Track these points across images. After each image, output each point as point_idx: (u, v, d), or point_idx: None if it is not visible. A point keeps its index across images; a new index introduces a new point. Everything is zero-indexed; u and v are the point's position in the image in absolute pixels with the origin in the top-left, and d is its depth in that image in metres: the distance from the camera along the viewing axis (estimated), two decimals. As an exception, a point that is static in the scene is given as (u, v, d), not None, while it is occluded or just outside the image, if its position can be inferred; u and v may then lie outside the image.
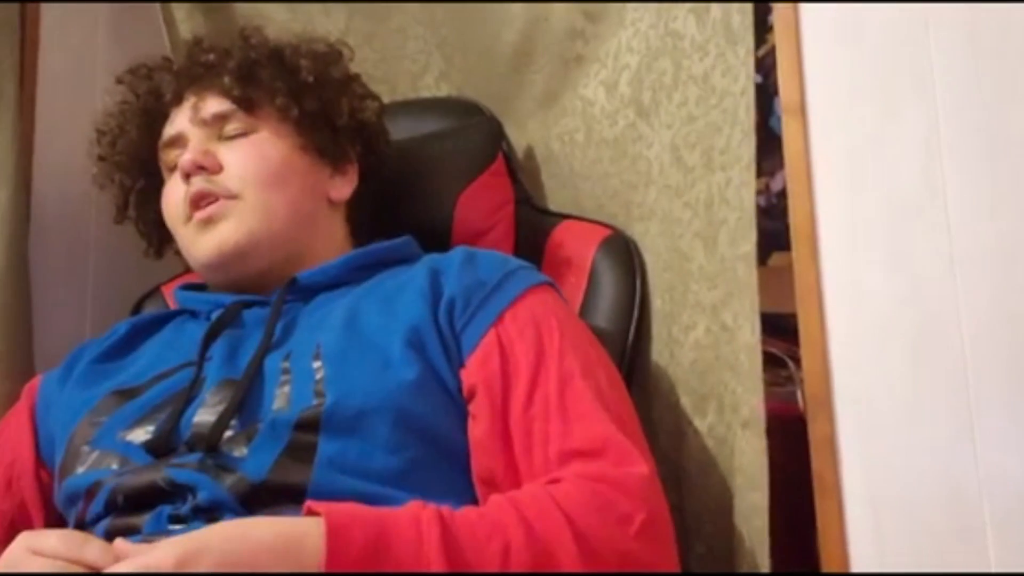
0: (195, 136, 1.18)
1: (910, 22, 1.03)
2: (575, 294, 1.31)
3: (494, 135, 1.44)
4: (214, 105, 1.18)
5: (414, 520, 0.88)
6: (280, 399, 1.02)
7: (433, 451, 1.01)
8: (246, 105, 1.18)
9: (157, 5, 1.61)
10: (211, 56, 1.21)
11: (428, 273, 1.10)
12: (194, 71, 1.22)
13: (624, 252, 1.31)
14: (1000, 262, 0.98)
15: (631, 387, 1.26)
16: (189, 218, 1.15)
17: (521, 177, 1.46)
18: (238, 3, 1.63)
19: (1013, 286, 0.98)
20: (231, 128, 1.18)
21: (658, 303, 1.27)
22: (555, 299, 1.12)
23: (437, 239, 1.34)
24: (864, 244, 1.04)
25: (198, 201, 1.14)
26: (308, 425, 0.99)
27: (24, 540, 0.92)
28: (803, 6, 1.08)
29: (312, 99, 1.21)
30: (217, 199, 1.14)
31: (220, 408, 1.02)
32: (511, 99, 1.53)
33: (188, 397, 1.04)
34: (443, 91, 1.63)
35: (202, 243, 1.14)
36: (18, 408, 1.20)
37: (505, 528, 0.90)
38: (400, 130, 1.39)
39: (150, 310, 1.41)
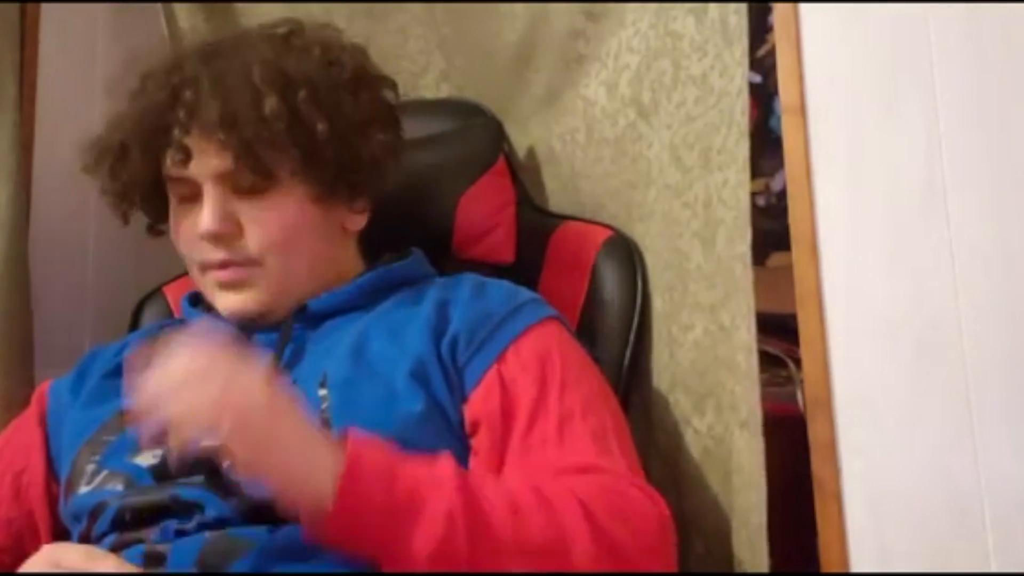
0: (208, 191, 1.10)
1: (910, 21, 1.03)
2: (576, 295, 1.31)
3: (495, 136, 1.44)
4: (224, 160, 1.09)
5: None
6: None
7: None
8: (260, 170, 1.09)
9: (158, 5, 1.61)
10: (214, 101, 1.08)
11: (436, 304, 1.10)
12: (198, 105, 1.09)
13: (625, 253, 1.31)
14: (1000, 262, 0.99)
15: (631, 388, 1.27)
16: (205, 269, 1.12)
17: (522, 177, 1.46)
18: (238, 3, 1.63)
19: (1013, 286, 0.98)
20: (245, 184, 1.10)
21: (658, 303, 1.27)
22: (560, 333, 1.11)
23: (438, 241, 1.34)
24: (864, 244, 1.04)
25: (221, 267, 1.11)
26: None
27: (47, 553, 0.93)
28: (803, 6, 1.08)
29: (328, 158, 1.11)
30: (239, 264, 1.11)
31: None
32: (512, 99, 1.53)
33: None
34: (443, 91, 1.63)
35: (223, 300, 1.12)
36: (27, 415, 1.19)
37: (517, 493, 0.93)
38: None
39: (152, 312, 1.41)
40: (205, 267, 1.12)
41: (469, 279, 1.15)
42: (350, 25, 1.59)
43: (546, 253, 1.37)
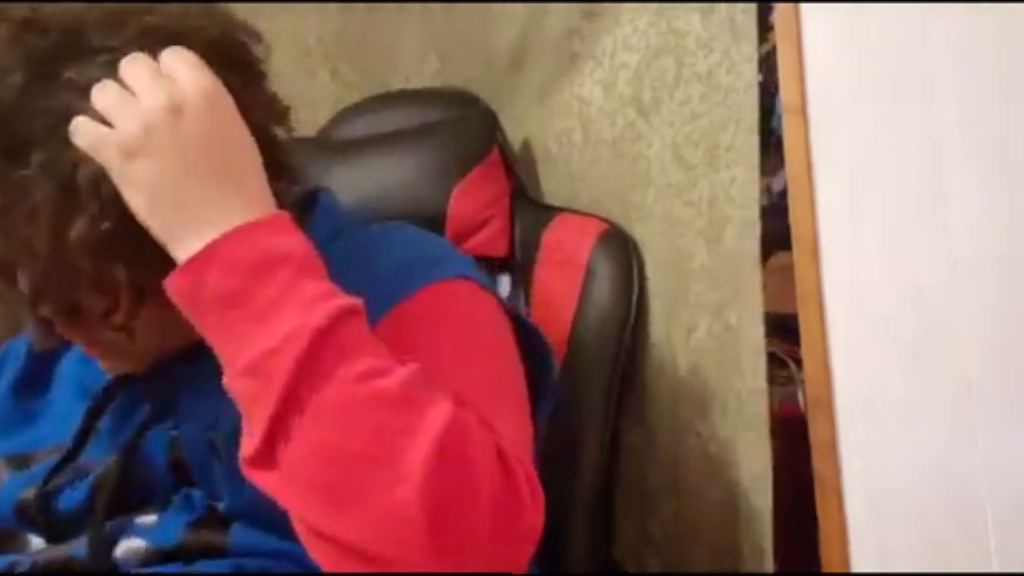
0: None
1: (911, 22, 1.03)
2: (571, 289, 1.30)
3: (489, 126, 1.42)
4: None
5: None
6: (175, 475, 0.95)
7: None
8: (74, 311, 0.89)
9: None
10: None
11: None
12: None
13: (621, 247, 1.30)
14: (1001, 262, 0.99)
15: (627, 388, 1.26)
16: None
17: (518, 171, 1.46)
18: (235, 3, 1.61)
19: (1014, 287, 0.98)
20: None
21: (658, 303, 1.27)
22: (441, 302, 0.92)
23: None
24: (864, 244, 1.04)
25: None
26: (215, 511, 0.92)
27: None
28: (804, 6, 1.08)
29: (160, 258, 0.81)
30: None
31: (105, 485, 0.95)
32: (508, 98, 1.53)
33: (74, 476, 0.97)
34: (438, 89, 1.63)
35: (102, 363, 0.99)
36: None
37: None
38: (394, 121, 1.37)
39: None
40: None
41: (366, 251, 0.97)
42: (346, 23, 1.59)
43: (541, 245, 1.35)
